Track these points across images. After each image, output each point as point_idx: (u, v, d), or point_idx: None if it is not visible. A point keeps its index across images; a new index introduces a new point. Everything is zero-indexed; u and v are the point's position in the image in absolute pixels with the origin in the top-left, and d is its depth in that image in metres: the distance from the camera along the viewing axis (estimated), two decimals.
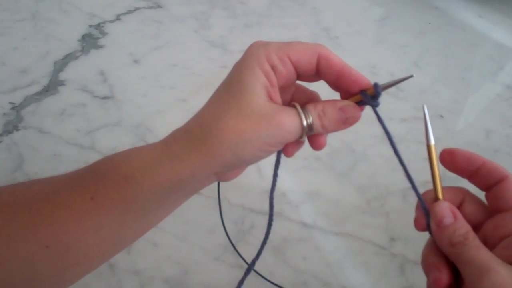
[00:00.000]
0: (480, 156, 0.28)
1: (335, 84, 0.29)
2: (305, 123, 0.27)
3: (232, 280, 0.37)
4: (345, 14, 0.84)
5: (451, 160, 0.29)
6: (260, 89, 0.27)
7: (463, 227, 0.25)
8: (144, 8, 0.79)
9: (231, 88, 0.28)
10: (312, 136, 0.30)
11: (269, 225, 0.33)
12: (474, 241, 0.25)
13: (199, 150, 0.26)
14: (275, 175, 0.32)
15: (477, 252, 0.24)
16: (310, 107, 0.28)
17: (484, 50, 0.79)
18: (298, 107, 0.28)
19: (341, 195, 0.52)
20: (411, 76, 0.27)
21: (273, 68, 0.28)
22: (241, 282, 0.35)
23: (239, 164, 0.28)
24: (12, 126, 0.56)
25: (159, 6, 0.80)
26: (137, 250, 0.45)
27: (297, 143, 0.30)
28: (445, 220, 0.26)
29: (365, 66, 0.71)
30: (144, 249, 0.46)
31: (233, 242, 0.47)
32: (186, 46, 0.72)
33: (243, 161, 0.27)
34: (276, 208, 0.50)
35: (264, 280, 0.44)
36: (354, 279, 0.45)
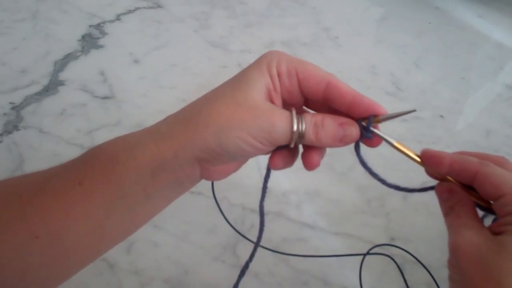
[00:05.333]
0: (446, 154, 0.28)
1: (343, 113, 0.29)
2: (295, 127, 0.26)
3: (232, 280, 0.37)
4: (345, 14, 0.84)
5: (422, 157, 0.30)
6: (261, 87, 0.27)
7: (453, 200, 0.28)
8: (144, 8, 0.79)
9: (234, 80, 0.28)
10: (305, 153, 0.30)
11: (261, 230, 0.33)
12: (458, 209, 0.27)
13: (184, 129, 0.27)
14: (264, 188, 0.31)
15: (454, 218, 0.27)
16: (308, 115, 0.28)
17: (484, 50, 0.79)
18: (294, 111, 0.27)
19: (341, 195, 0.52)
20: (414, 110, 0.28)
21: (279, 75, 0.28)
22: (236, 285, 0.35)
23: (222, 153, 0.27)
24: (12, 126, 0.56)
25: (159, 6, 0.80)
26: (137, 250, 0.45)
27: (286, 156, 0.30)
28: (442, 195, 0.29)
29: (365, 66, 0.71)
30: (144, 249, 0.46)
31: (233, 242, 0.47)
32: (186, 46, 0.72)
33: (226, 150, 0.27)
34: (276, 208, 0.50)
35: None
36: (354, 279, 0.45)
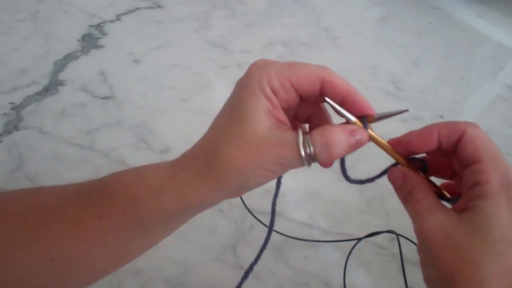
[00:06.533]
0: (431, 125, 0.28)
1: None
2: (303, 154, 0.26)
3: (232, 280, 0.37)
4: (345, 14, 0.84)
5: (408, 147, 0.29)
6: (261, 113, 0.26)
7: (409, 185, 0.28)
8: (144, 8, 0.79)
9: (233, 112, 0.27)
10: None
11: (270, 231, 0.33)
12: (417, 195, 0.27)
13: (206, 180, 0.27)
14: (278, 182, 0.31)
15: (415, 205, 0.27)
16: (316, 134, 0.26)
17: (484, 50, 0.79)
18: (300, 135, 0.26)
19: (341, 195, 0.52)
20: (407, 110, 0.28)
21: (274, 92, 0.27)
22: (238, 287, 0.35)
23: (246, 190, 0.28)
24: (12, 126, 0.56)
25: (159, 6, 0.80)
26: None
27: None
28: (396, 182, 0.29)
29: (365, 66, 0.71)
30: None
31: (233, 242, 0.47)
32: (186, 46, 0.72)
33: (248, 188, 0.28)
34: (276, 208, 0.50)
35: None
36: (354, 279, 0.45)
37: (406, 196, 0.28)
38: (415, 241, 0.47)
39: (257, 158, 0.26)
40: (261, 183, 0.28)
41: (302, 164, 0.27)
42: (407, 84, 0.68)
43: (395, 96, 0.65)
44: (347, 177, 0.31)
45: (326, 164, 0.30)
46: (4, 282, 0.26)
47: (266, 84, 0.26)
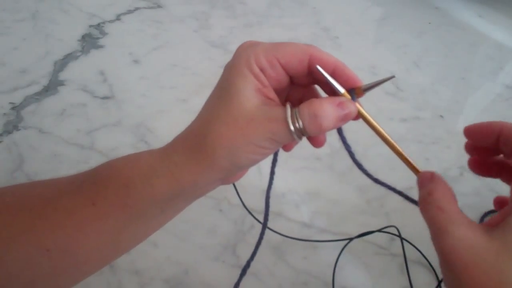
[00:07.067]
0: (496, 122, 0.28)
1: (328, 86, 0.28)
2: (292, 128, 0.25)
3: (232, 280, 0.38)
4: (345, 14, 0.84)
5: (467, 136, 0.29)
6: (250, 91, 0.26)
7: (431, 186, 0.26)
8: (144, 8, 0.79)
9: (222, 92, 0.27)
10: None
11: (264, 224, 0.33)
12: (439, 201, 0.25)
13: (196, 159, 0.26)
14: (272, 172, 0.32)
15: (437, 213, 0.25)
16: (304, 109, 0.26)
17: (484, 50, 0.79)
18: (288, 110, 0.26)
19: (341, 195, 0.52)
20: (393, 76, 0.27)
21: (262, 70, 0.27)
22: (237, 284, 0.35)
23: (238, 169, 0.27)
24: (12, 126, 0.56)
25: (159, 6, 0.80)
26: (137, 250, 0.45)
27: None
28: (422, 180, 0.27)
29: (365, 66, 0.71)
30: (144, 249, 0.46)
31: (233, 242, 0.47)
32: (186, 46, 0.72)
33: (240, 166, 0.27)
34: (276, 208, 0.50)
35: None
36: (354, 279, 0.45)
37: (425, 196, 0.26)
38: (411, 240, 0.47)
39: (246, 135, 0.26)
40: (254, 161, 0.27)
41: (292, 138, 0.26)
42: (407, 84, 0.68)
43: (395, 96, 0.65)
44: (359, 165, 0.30)
45: (317, 142, 0.30)
46: (1, 276, 0.25)
47: (254, 63, 0.27)
